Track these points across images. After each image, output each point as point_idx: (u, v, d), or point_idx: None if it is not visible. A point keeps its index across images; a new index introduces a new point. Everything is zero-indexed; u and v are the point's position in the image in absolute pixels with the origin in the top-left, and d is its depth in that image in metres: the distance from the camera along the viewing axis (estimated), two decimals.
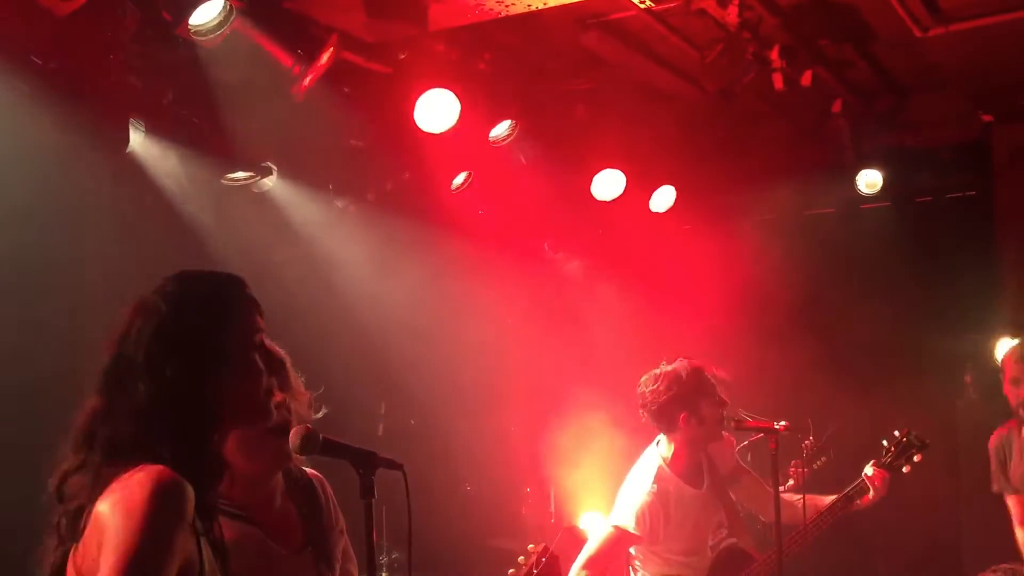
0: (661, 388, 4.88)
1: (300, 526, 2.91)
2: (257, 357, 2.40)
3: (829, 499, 5.05)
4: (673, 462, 4.93)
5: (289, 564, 2.83)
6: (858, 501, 5.03)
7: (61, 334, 4.52)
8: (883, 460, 5.10)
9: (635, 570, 4.98)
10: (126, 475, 2.13)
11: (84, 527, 2.14)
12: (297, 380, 2.90)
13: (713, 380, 4.93)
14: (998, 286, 6.94)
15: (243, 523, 2.75)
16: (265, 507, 2.84)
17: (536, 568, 3.81)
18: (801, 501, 4.95)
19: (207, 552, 2.21)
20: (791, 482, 5.75)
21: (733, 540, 4.98)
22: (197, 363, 2.28)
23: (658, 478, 4.88)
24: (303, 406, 2.89)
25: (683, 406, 4.84)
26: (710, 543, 4.95)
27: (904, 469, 5.13)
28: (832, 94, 6.79)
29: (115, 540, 2.04)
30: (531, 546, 3.92)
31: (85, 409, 2.29)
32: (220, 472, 2.34)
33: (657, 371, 4.96)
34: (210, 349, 2.31)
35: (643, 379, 4.98)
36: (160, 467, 2.13)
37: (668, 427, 4.92)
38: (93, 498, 2.15)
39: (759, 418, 5.48)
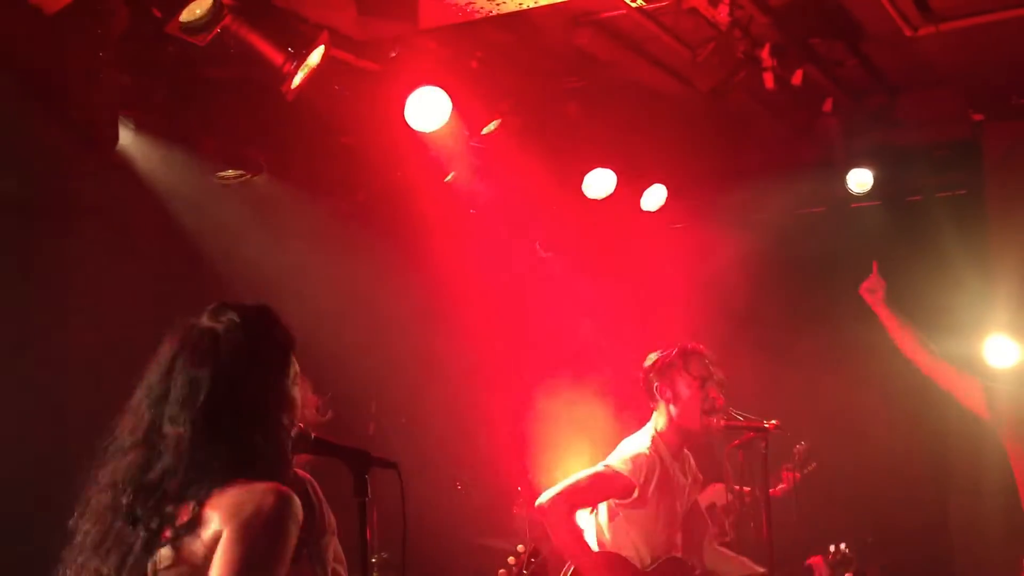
0: (653, 357, 5.05)
1: None
2: (298, 394, 2.58)
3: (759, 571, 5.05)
4: (664, 437, 4.97)
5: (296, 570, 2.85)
6: None
7: (50, 332, 4.50)
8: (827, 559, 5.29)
9: (601, 533, 4.93)
10: (253, 484, 2.32)
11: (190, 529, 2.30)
12: (306, 386, 2.92)
13: (701, 362, 4.98)
14: (989, 285, 6.95)
15: None
16: None
17: (526, 569, 3.82)
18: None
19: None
20: (782, 485, 5.76)
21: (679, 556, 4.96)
22: (271, 408, 2.49)
23: (654, 441, 4.95)
24: (311, 411, 2.94)
25: (661, 377, 4.98)
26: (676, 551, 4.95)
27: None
28: (823, 93, 6.80)
29: (248, 552, 2.24)
30: (520, 547, 3.93)
31: (172, 435, 2.40)
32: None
33: None
34: (280, 394, 2.51)
35: None
36: (274, 483, 2.33)
37: (649, 396, 5.04)
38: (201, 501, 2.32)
39: (750, 417, 5.49)
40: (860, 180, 7.31)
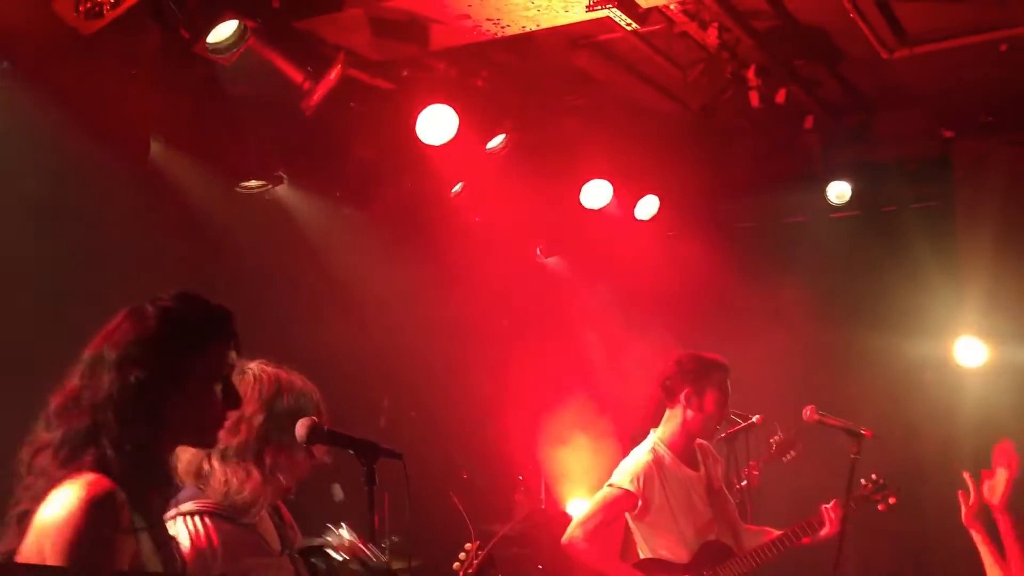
0: (683, 360, 4.90)
1: (275, 533, 2.97)
2: (217, 388, 2.40)
3: (777, 533, 4.92)
4: (669, 442, 4.90)
5: (278, 564, 2.90)
6: (808, 535, 4.89)
7: (80, 334, 4.50)
8: (859, 494, 4.99)
9: (639, 546, 4.89)
10: (69, 480, 2.16)
11: (26, 529, 2.16)
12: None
13: (727, 383, 4.91)
14: (959, 290, 6.95)
15: (236, 526, 2.83)
16: (258, 514, 2.90)
17: (476, 560, 3.87)
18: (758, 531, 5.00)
19: (147, 547, 2.21)
20: (744, 483, 5.68)
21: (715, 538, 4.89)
22: (160, 377, 2.29)
23: (653, 449, 4.89)
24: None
25: (690, 383, 4.83)
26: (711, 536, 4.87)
27: (879, 507, 5.05)
28: (804, 110, 6.80)
29: (56, 550, 2.08)
30: (468, 545, 3.96)
31: (63, 389, 2.31)
32: (162, 478, 2.36)
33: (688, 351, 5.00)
34: (177, 368, 2.33)
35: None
36: (94, 476, 2.16)
37: (670, 399, 4.90)
38: (39, 497, 2.17)
39: (737, 412, 5.50)
40: (839, 192, 7.32)
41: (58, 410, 2.28)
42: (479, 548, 3.93)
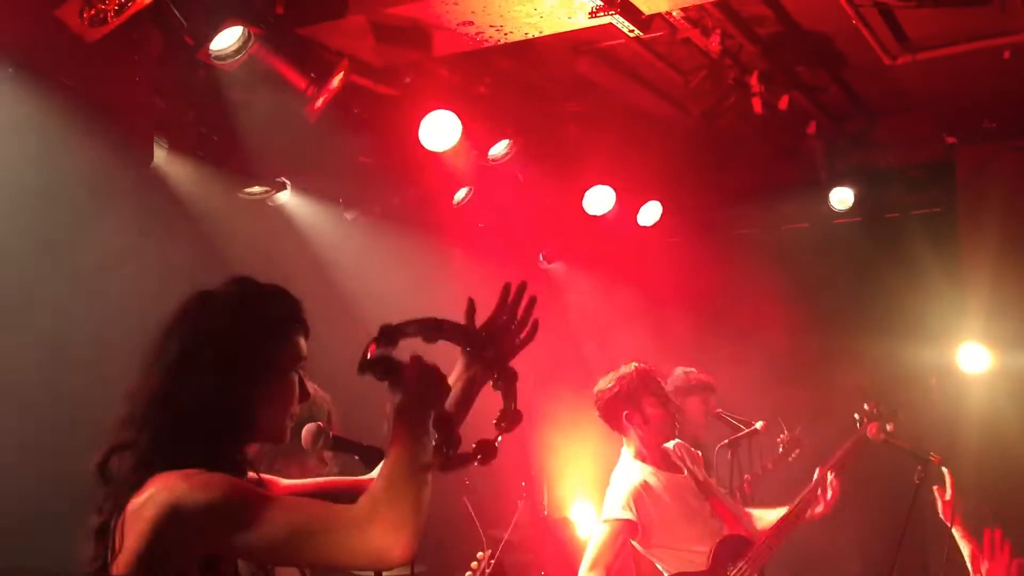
0: (607, 387, 4.82)
1: None
2: (296, 380, 2.33)
3: (777, 511, 4.85)
4: (642, 457, 4.83)
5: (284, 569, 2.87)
6: (813, 508, 4.78)
7: (87, 336, 4.50)
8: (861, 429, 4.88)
9: (657, 571, 4.75)
10: (168, 475, 2.04)
11: (119, 535, 2.04)
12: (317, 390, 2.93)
13: (659, 382, 4.85)
14: (962, 296, 6.94)
15: None
16: None
17: (488, 570, 3.86)
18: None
19: None
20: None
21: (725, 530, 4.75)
22: (255, 372, 2.22)
23: (636, 468, 4.79)
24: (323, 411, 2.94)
25: (625, 404, 4.77)
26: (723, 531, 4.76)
27: (888, 427, 4.88)
28: (807, 117, 6.81)
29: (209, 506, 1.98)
30: (480, 554, 3.94)
31: (144, 388, 2.18)
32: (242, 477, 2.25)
33: (610, 374, 4.90)
34: (268, 362, 2.25)
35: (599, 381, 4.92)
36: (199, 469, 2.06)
37: (616, 424, 4.84)
38: (129, 495, 2.06)
39: (740, 418, 5.49)
40: (842, 198, 7.32)
41: (146, 411, 2.16)
42: (491, 557, 3.92)
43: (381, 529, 1.98)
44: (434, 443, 2.15)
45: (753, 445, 5.69)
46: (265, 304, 2.29)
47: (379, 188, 6.13)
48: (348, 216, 6.07)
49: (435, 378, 2.25)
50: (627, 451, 4.91)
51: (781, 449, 6.02)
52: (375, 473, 2.56)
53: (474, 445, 2.26)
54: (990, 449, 6.56)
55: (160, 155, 4.65)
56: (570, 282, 7.85)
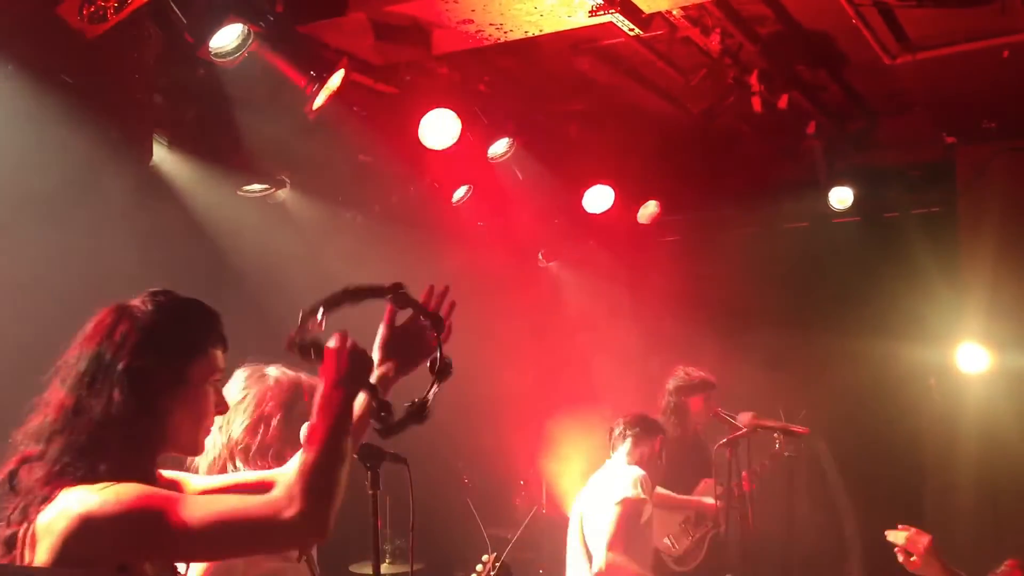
0: (630, 422, 5.43)
1: None
2: (211, 393, 2.30)
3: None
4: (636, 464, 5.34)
5: (295, 569, 2.90)
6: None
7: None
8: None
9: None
10: (78, 488, 2.04)
11: (24, 544, 2.04)
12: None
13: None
14: (961, 296, 6.94)
15: None
16: None
17: (493, 573, 3.86)
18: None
19: None
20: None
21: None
22: (168, 384, 2.20)
23: (634, 466, 5.29)
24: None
25: (642, 443, 5.39)
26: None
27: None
28: (807, 116, 6.80)
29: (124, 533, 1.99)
30: (485, 556, 3.95)
31: (53, 403, 2.16)
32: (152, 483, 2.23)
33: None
34: (182, 376, 2.23)
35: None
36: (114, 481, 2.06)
37: (645, 443, 5.40)
38: (38, 507, 2.05)
39: (738, 419, 5.49)
40: (841, 198, 7.32)
41: (56, 422, 2.14)
42: (496, 560, 3.92)
43: (299, 510, 2.04)
44: (371, 412, 2.28)
45: (752, 444, 5.69)
46: (181, 318, 2.28)
47: (379, 186, 6.13)
48: (348, 214, 6.06)
49: (358, 353, 2.33)
50: (626, 457, 5.38)
51: (777, 446, 6.02)
52: (284, 468, 2.58)
53: (406, 405, 2.39)
54: (989, 449, 6.58)
55: (159, 152, 4.64)
56: (569, 280, 7.85)
